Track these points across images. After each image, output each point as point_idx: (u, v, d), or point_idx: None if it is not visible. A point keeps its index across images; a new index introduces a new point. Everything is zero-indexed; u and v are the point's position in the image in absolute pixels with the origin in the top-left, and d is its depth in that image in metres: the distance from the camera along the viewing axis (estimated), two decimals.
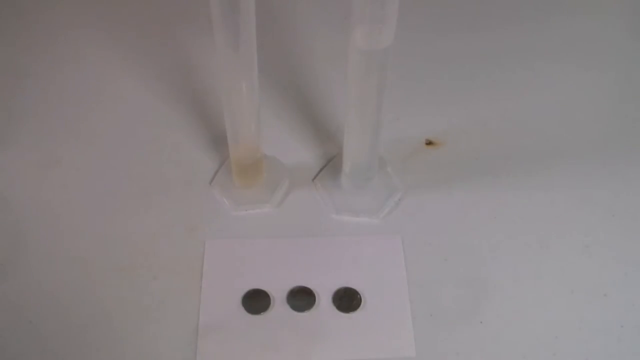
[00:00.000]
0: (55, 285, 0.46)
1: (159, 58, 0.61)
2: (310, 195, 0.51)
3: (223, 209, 0.50)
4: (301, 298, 0.45)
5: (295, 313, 0.45)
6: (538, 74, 0.61)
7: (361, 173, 0.49)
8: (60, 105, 0.56)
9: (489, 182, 0.52)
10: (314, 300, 0.45)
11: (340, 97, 0.59)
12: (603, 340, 0.44)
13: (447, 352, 0.43)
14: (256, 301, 0.45)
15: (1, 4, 0.64)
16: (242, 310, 0.45)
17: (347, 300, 0.45)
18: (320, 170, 0.53)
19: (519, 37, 0.65)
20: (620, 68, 0.62)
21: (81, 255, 0.47)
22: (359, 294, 0.46)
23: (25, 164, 0.52)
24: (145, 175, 0.52)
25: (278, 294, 0.46)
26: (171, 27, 0.63)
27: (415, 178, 0.52)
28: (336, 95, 0.59)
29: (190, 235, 0.49)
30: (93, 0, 0.65)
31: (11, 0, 0.64)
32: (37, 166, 0.52)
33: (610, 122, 0.57)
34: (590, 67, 0.62)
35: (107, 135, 0.55)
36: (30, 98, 0.57)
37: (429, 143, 0.55)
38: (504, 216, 0.50)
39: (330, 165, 0.53)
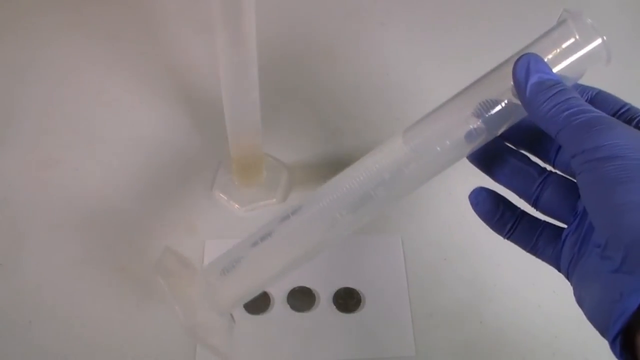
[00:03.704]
0: (55, 285, 0.46)
1: (158, 58, 0.61)
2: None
3: (223, 209, 0.50)
4: (301, 298, 0.45)
5: (295, 313, 0.45)
6: None
7: None
8: (60, 106, 0.56)
9: (489, 182, 0.52)
10: (314, 300, 0.45)
11: (340, 97, 0.59)
12: (603, 340, 0.44)
13: (446, 352, 0.43)
14: (256, 301, 0.45)
15: (1, 4, 0.64)
16: (242, 310, 0.45)
17: (347, 300, 0.45)
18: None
19: (518, 36, 0.64)
20: (619, 67, 0.62)
21: (81, 255, 0.47)
22: (359, 294, 0.46)
23: (25, 164, 0.52)
24: (144, 175, 0.52)
25: (278, 294, 0.46)
26: (170, 27, 0.63)
27: None
28: (336, 95, 0.59)
29: (190, 235, 0.49)
30: (93, 2, 0.64)
31: (11, 0, 0.64)
32: (37, 166, 0.52)
33: None
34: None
35: (106, 135, 0.55)
36: (30, 98, 0.57)
37: None
38: None
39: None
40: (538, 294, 0.46)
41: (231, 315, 0.37)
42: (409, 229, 0.49)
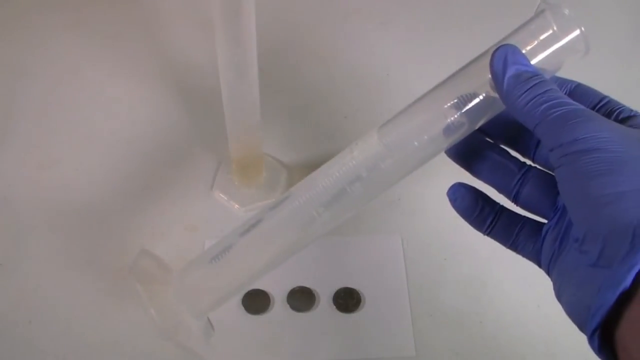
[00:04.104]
0: (55, 285, 0.46)
1: (159, 58, 0.61)
2: None
3: (223, 209, 0.50)
4: (301, 298, 0.45)
5: (295, 313, 0.45)
6: None
7: None
8: (60, 106, 0.56)
9: None
10: (314, 300, 0.45)
11: (340, 97, 0.59)
12: None
13: (446, 352, 0.43)
14: (256, 301, 0.45)
15: (1, 4, 0.64)
16: (242, 310, 0.45)
17: (347, 300, 0.45)
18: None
19: None
20: (619, 64, 0.62)
21: (81, 255, 0.47)
22: (358, 294, 0.46)
23: (25, 164, 0.52)
24: (144, 174, 0.52)
25: (278, 294, 0.46)
26: (170, 27, 0.63)
27: (415, 177, 0.52)
28: (336, 95, 0.59)
29: (190, 235, 0.49)
30: (93, 2, 0.65)
31: (10, 0, 0.64)
32: (37, 166, 0.52)
33: None
34: (590, 63, 0.61)
35: (106, 135, 0.55)
36: (29, 98, 0.57)
37: None
38: None
39: None
40: (537, 294, 0.46)
41: (209, 321, 0.37)
42: (409, 229, 0.49)
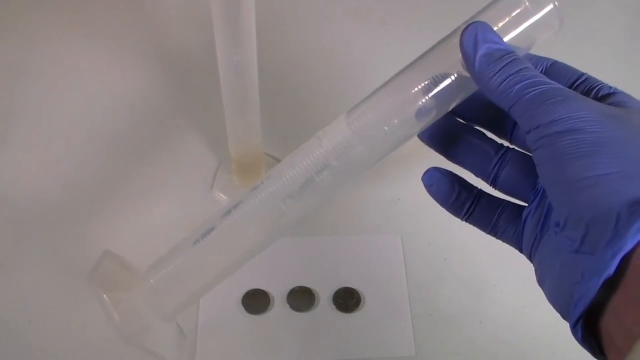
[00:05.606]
0: (55, 285, 0.46)
1: (159, 58, 0.61)
2: None
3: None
4: (301, 298, 0.45)
5: (295, 313, 0.45)
6: None
7: None
8: (60, 106, 0.56)
9: None
10: (314, 300, 0.45)
11: (340, 96, 0.59)
12: None
13: (446, 352, 0.43)
14: (256, 301, 0.45)
15: (1, 4, 0.64)
16: (242, 310, 0.45)
17: (347, 300, 0.45)
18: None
19: None
20: (619, 67, 0.62)
21: (81, 255, 0.47)
22: (359, 294, 0.46)
23: (25, 164, 0.52)
24: (145, 174, 0.52)
25: (278, 294, 0.46)
26: (170, 27, 0.63)
27: (415, 177, 0.52)
28: (336, 95, 0.59)
29: None
30: (93, 2, 0.64)
31: (10, 0, 0.64)
32: (37, 166, 0.52)
33: None
34: (590, 63, 0.61)
35: (107, 135, 0.55)
36: (29, 98, 0.57)
37: None
38: None
39: None
40: (538, 294, 0.46)
41: (179, 326, 0.36)
42: (409, 229, 0.49)
